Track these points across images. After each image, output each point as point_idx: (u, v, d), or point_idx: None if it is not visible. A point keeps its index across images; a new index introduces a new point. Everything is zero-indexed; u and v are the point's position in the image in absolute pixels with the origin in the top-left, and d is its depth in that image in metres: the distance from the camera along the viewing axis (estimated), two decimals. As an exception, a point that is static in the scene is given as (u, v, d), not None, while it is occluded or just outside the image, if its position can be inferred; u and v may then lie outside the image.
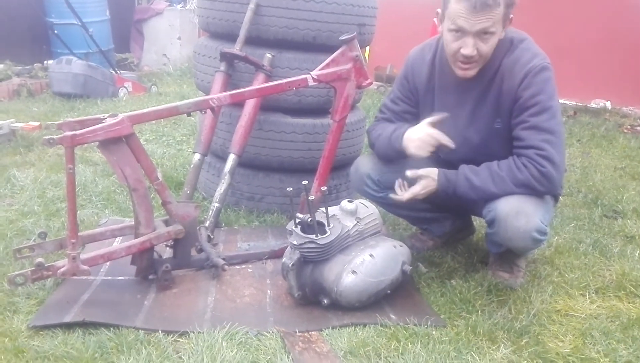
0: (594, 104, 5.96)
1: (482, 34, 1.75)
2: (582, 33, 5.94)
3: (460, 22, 1.74)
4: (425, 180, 1.89)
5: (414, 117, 2.10)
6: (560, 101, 1.86)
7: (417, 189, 1.90)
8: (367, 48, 3.89)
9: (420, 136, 1.90)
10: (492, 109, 1.91)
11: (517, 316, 1.84)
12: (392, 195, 1.97)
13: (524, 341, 1.72)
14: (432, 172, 1.90)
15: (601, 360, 1.66)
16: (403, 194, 1.94)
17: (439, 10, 1.87)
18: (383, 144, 2.04)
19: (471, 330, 1.75)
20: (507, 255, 2.09)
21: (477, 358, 1.62)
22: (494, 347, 1.68)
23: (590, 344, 1.73)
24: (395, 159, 2.02)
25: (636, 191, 3.30)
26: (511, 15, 1.80)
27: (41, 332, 1.62)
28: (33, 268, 1.70)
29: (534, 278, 2.14)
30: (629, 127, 5.30)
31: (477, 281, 2.04)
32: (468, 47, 1.77)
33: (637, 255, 2.37)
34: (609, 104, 5.93)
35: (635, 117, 5.67)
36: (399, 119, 2.10)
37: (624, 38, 5.82)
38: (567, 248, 2.40)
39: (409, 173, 1.91)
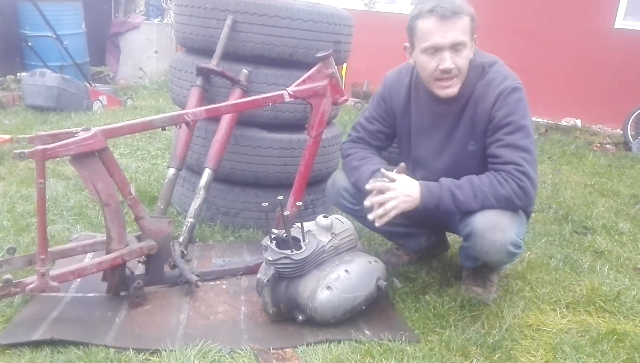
0: (564, 122, 6.12)
1: (456, 46, 1.79)
2: (553, 54, 6.13)
3: (433, 39, 1.78)
4: (393, 192, 1.83)
5: (387, 138, 2.16)
6: (532, 118, 1.90)
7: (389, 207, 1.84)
8: (344, 65, 3.92)
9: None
10: (467, 132, 1.95)
11: (490, 331, 1.86)
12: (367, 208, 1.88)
13: (497, 356, 1.74)
14: (413, 188, 1.84)
15: (571, 374, 1.69)
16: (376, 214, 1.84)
17: (406, 44, 1.92)
18: (356, 182, 2.04)
19: (445, 345, 1.76)
20: (480, 270, 2.11)
21: (451, 373, 1.63)
22: (467, 362, 1.69)
23: (561, 358, 1.76)
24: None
25: (605, 207, 3.39)
26: (475, 35, 1.85)
27: (7, 350, 1.58)
28: (0, 285, 1.65)
29: (506, 293, 2.17)
30: (598, 145, 5.45)
31: (450, 296, 2.06)
32: (446, 61, 1.80)
33: (606, 270, 2.42)
34: (579, 123, 6.10)
35: (604, 136, 5.84)
36: (372, 138, 2.13)
37: (593, 59, 6.02)
38: (538, 264, 2.44)
39: (368, 186, 1.88)
